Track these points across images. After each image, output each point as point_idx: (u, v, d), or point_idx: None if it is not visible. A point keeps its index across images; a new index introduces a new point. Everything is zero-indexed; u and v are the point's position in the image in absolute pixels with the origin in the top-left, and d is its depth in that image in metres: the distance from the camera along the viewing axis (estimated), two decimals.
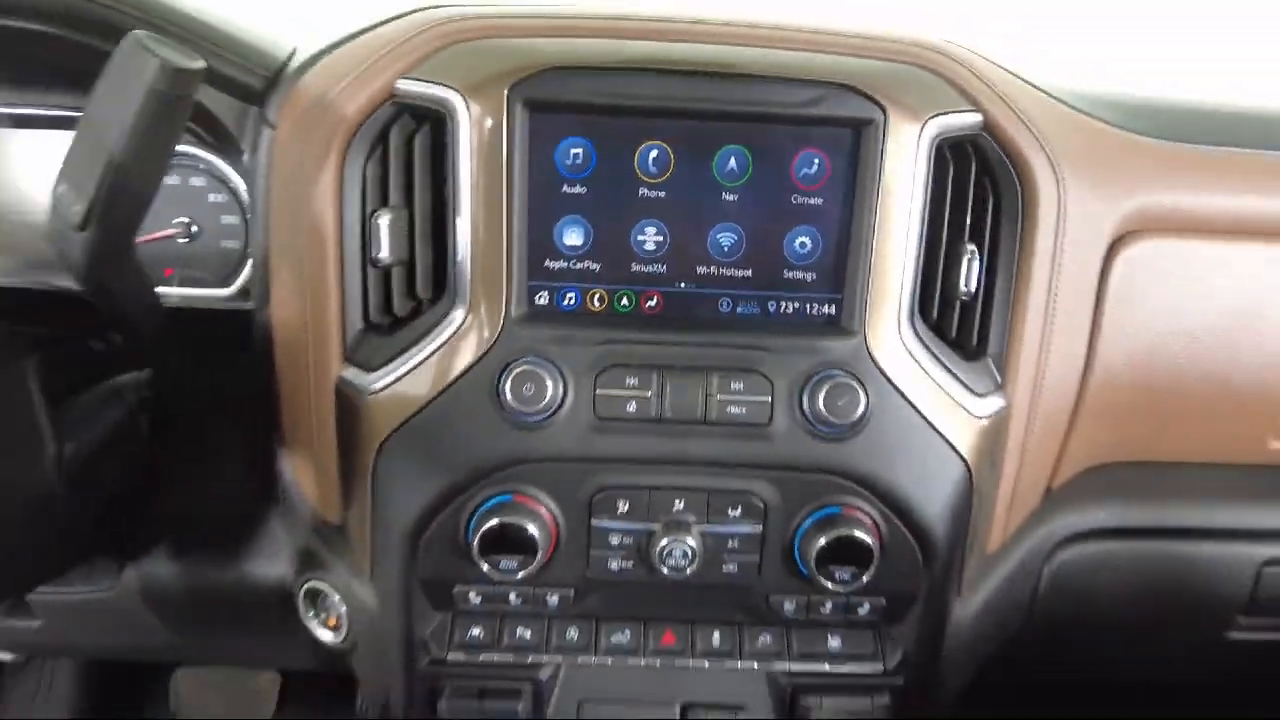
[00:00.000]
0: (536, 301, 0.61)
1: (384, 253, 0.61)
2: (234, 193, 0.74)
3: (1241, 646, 0.80)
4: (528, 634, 0.66)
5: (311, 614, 0.70)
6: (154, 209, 0.64)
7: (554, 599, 0.64)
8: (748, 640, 0.67)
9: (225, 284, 0.76)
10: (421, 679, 0.66)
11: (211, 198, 0.75)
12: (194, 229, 0.74)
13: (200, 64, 0.51)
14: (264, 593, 0.73)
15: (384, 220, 0.61)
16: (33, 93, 0.73)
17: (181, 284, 0.76)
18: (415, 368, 0.60)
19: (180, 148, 0.72)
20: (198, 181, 0.75)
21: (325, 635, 0.69)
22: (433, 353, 0.60)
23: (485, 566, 0.59)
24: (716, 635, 0.67)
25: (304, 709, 1.31)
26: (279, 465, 0.70)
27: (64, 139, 0.64)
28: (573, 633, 0.66)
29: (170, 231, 0.74)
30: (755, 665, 0.67)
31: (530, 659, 0.66)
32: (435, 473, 0.60)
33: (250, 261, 0.73)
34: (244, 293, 0.73)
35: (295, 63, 0.67)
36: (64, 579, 0.78)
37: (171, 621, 0.78)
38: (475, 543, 0.59)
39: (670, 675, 0.67)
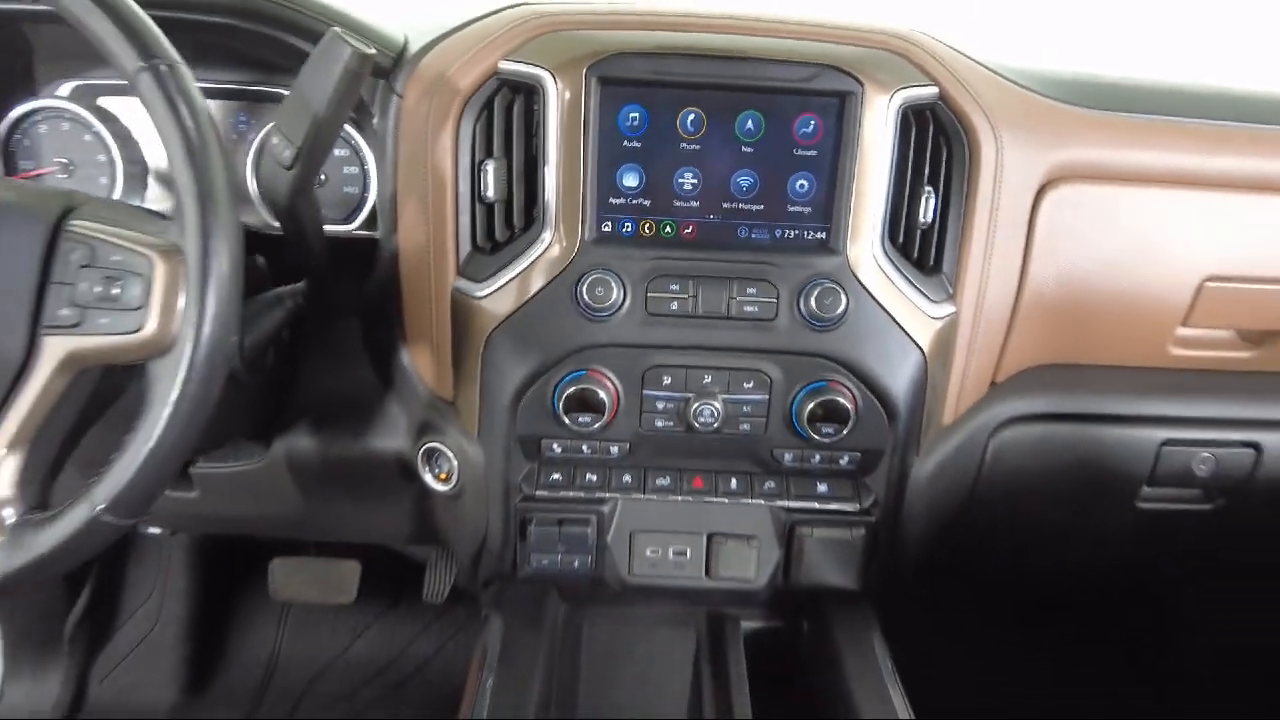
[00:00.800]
0: (603, 229, 0.82)
1: (490, 192, 0.82)
2: (355, 148, 0.96)
3: (1146, 515, 1.01)
4: (594, 478, 0.87)
5: (427, 470, 0.91)
6: None
7: (614, 449, 0.85)
8: (757, 485, 0.88)
9: (347, 220, 0.98)
10: (514, 512, 0.88)
11: (337, 152, 0.96)
12: (322, 177, 0.96)
13: (374, 51, 0.72)
14: (383, 460, 0.94)
15: (490, 167, 0.81)
16: (210, 69, 0.94)
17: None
18: (514, 278, 0.81)
19: None
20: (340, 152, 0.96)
21: (438, 486, 0.91)
22: (527, 267, 0.81)
23: (568, 422, 0.81)
24: (734, 481, 0.88)
25: (379, 593, 1.54)
26: (398, 357, 0.92)
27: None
28: (627, 477, 0.88)
29: None
30: (763, 503, 0.88)
31: (595, 496, 0.87)
32: (530, 355, 0.82)
33: (372, 201, 0.95)
34: (368, 225, 0.95)
35: (413, 47, 0.88)
36: (220, 455, 0.99)
37: (309, 489, 0.99)
38: (560, 405, 0.80)
39: (699, 511, 0.88)
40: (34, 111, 0.96)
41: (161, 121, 0.58)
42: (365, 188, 0.95)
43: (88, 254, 0.58)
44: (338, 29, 0.71)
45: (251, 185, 0.92)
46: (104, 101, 0.97)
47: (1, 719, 1.37)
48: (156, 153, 0.96)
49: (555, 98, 0.78)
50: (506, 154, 0.83)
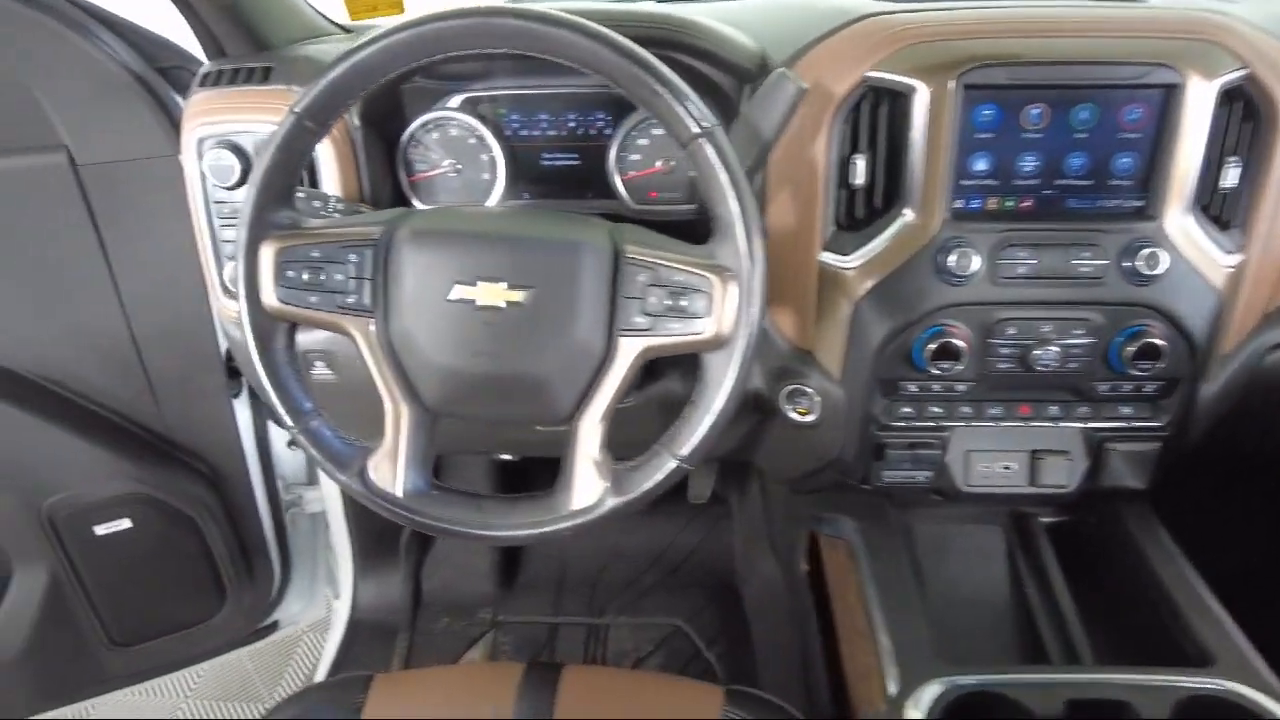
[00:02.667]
0: (955, 205, 0.99)
1: (859, 180, 0.99)
2: None
3: None
4: (939, 410, 1.07)
5: (789, 406, 1.12)
6: (650, 151, 1.07)
7: (960, 387, 1.04)
8: (1073, 410, 1.06)
9: (690, 201, 1.16)
10: (870, 439, 1.09)
11: None
12: (672, 163, 1.13)
13: (808, 85, 0.88)
14: (746, 399, 1.15)
15: (860, 160, 0.99)
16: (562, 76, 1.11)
17: (664, 203, 1.16)
18: (880, 251, 0.99)
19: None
20: None
21: (798, 418, 1.12)
22: (891, 241, 0.99)
23: (929, 367, 1.00)
24: (1054, 408, 1.07)
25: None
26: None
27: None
28: (966, 409, 1.07)
29: (659, 168, 1.14)
30: (1077, 425, 1.07)
31: (941, 425, 1.08)
32: (895, 314, 1.00)
33: None
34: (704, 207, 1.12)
35: (776, 55, 1.03)
36: None
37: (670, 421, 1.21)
38: (922, 354, 1.00)
39: (1023, 433, 1.08)
40: (427, 121, 1.15)
41: (713, 173, 0.76)
42: None
43: (652, 276, 0.78)
44: (784, 69, 0.87)
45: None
46: (485, 110, 1.16)
47: (361, 614, 1.69)
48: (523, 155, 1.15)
49: (923, 101, 0.94)
50: (871, 147, 0.99)
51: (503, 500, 0.84)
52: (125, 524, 1.44)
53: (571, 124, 1.13)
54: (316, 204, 0.94)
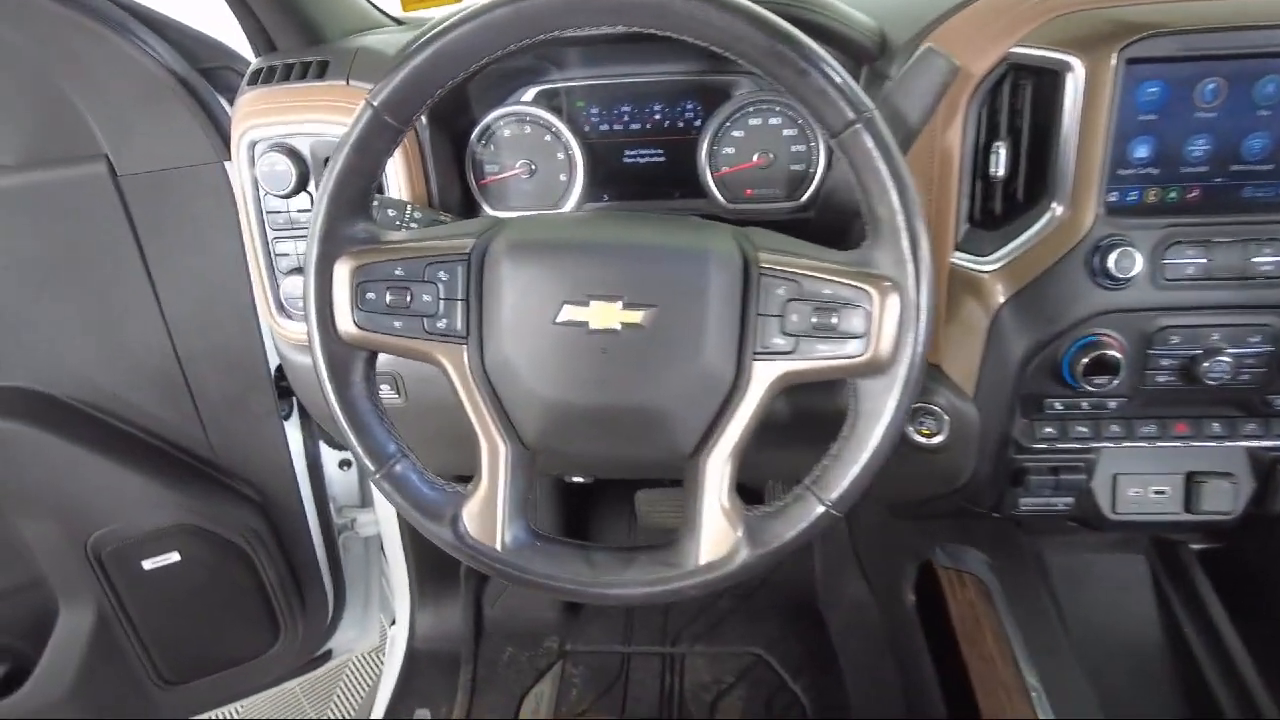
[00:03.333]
0: (1109, 199, 0.86)
1: (999, 170, 0.87)
2: (803, 127, 1.01)
3: None
4: (1085, 429, 0.95)
5: (912, 427, 1.00)
6: (746, 144, 0.98)
7: (1112, 404, 0.92)
8: (1239, 427, 0.94)
9: (791, 198, 1.04)
10: (1006, 463, 0.97)
11: (785, 132, 1.02)
12: (771, 156, 1.02)
13: (959, 63, 0.76)
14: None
15: (1001, 148, 0.86)
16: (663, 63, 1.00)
17: (761, 201, 1.04)
18: (1023, 251, 0.87)
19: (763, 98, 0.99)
20: (774, 120, 1.02)
21: (922, 440, 1.00)
22: (1036, 241, 0.87)
23: (1082, 383, 0.88)
24: (1216, 425, 0.94)
25: None
26: None
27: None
28: (1115, 427, 0.95)
29: (756, 162, 1.02)
30: (1243, 444, 0.94)
31: (1087, 445, 0.95)
32: (1041, 323, 0.88)
33: (819, 177, 1.01)
34: (808, 205, 1.01)
35: (896, 34, 0.91)
36: None
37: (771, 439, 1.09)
38: (1073, 368, 0.87)
39: (1181, 454, 0.95)
40: (499, 117, 1.04)
41: (871, 166, 0.64)
42: (812, 164, 1.01)
43: (793, 289, 0.67)
44: (933, 45, 0.75)
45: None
46: (560, 104, 1.05)
47: (420, 643, 1.59)
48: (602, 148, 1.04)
49: (1077, 79, 0.81)
50: (1012, 133, 0.87)
51: (618, 554, 0.73)
52: (174, 557, 1.35)
53: (657, 116, 1.03)
54: (392, 213, 0.83)
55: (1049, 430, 0.95)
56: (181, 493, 1.32)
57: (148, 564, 1.33)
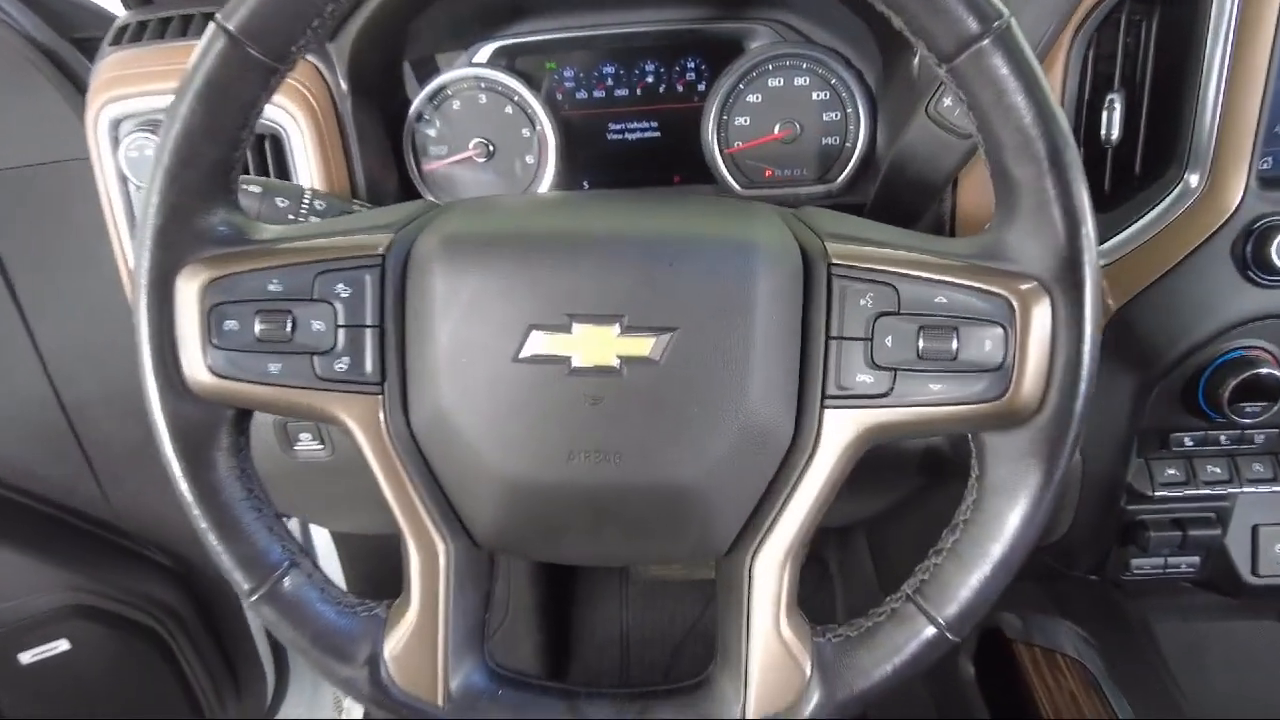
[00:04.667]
0: (1263, 167, 0.64)
1: (1113, 132, 0.65)
2: (837, 89, 0.79)
3: None
4: (1218, 469, 0.73)
5: None
6: (765, 112, 0.78)
7: (1259, 437, 0.70)
8: None
9: (823, 180, 0.81)
10: (1116, 515, 0.74)
11: (815, 95, 0.79)
12: (797, 126, 0.79)
13: None
14: (913, 455, 0.81)
15: (1116, 102, 0.64)
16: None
17: (786, 184, 0.82)
18: (1144, 240, 0.65)
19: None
20: (800, 81, 0.80)
21: None
22: (1163, 225, 0.65)
23: (1228, 412, 0.66)
24: None
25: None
26: None
27: None
28: (1258, 466, 0.73)
29: (778, 134, 0.79)
30: None
31: (1222, 491, 0.73)
32: (1171, 336, 0.66)
33: (858, 155, 0.78)
34: (844, 189, 0.79)
35: None
36: None
37: None
38: (1222, 393, 0.65)
39: None
40: (445, 86, 0.80)
41: (1005, 104, 0.41)
42: (848, 136, 0.79)
43: (885, 297, 0.44)
44: None
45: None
46: (523, 65, 0.82)
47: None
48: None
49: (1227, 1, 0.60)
50: (1127, 83, 0.65)
51: (623, 701, 0.49)
52: (61, 646, 1.09)
53: (650, 78, 0.81)
54: (282, 204, 0.59)
55: (1173, 472, 0.73)
56: (71, 567, 1.08)
57: (26, 657, 1.07)
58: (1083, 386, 0.42)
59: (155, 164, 0.44)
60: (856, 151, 0.79)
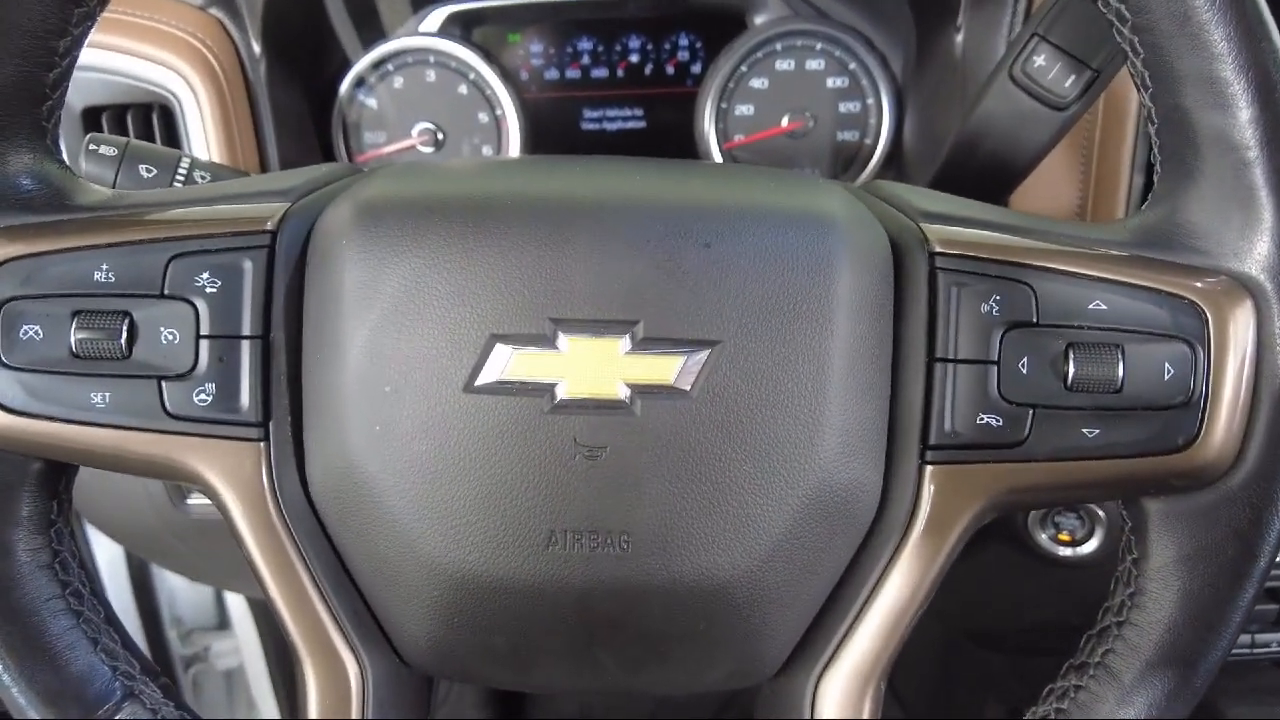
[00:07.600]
0: None
1: None
2: (857, 76, 0.67)
3: None
4: None
5: (1044, 531, 0.65)
6: (772, 100, 0.68)
7: None
8: None
9: (839, 175, 0.70)
10: None
11: (830, 83, 0.68)
12: (809, 118, 0.68)
13: None
14: None
15: None
16: None
17: None
18: None
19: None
20: (814, 65, 0.68)
21: (1057, 550, 0.65)
22: None
23: None
24: None
25: None
26: None
27: None
28: None
29: (786, 126, 0.68)
30: None
31: None
32: None
33: (881, 152, 0.67)
34: None
35: None
36: None
37: None
38: None
39: None
40: (385, 58, 0.67)
41: (1184, 14, 0.28)
42: (868, 131, 0.67)
43: (1015, 300, 0.30)
44: None
45: None
46: (482, 36, 0.68)
47: None
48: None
49: None
50: None
51: None
52: None
53: (634, 57, 0.71)
54: (147, 171, 0.42)
55: None
56: None
57: None
58: None
59: None
60: (878, 149, 0.68)
